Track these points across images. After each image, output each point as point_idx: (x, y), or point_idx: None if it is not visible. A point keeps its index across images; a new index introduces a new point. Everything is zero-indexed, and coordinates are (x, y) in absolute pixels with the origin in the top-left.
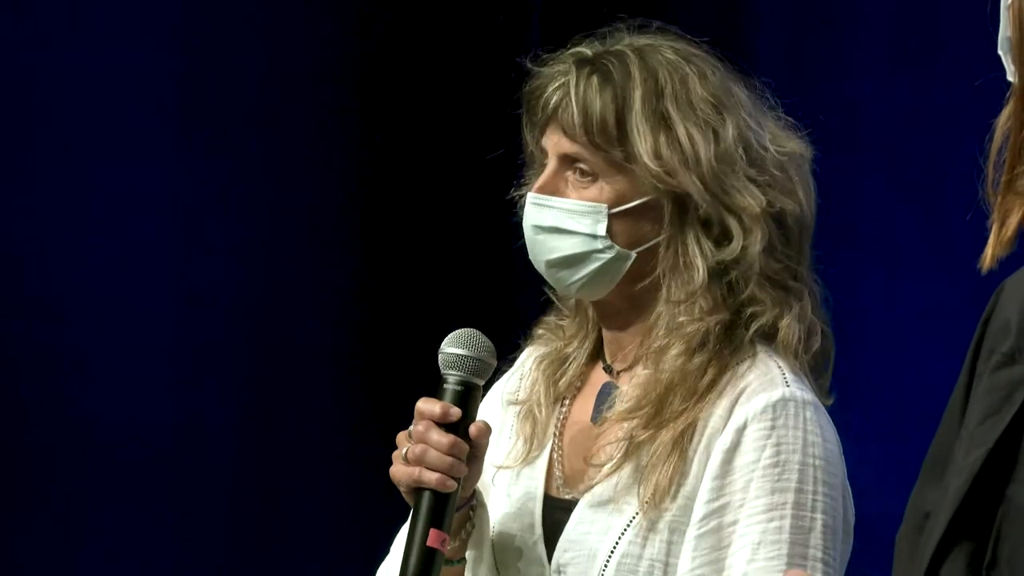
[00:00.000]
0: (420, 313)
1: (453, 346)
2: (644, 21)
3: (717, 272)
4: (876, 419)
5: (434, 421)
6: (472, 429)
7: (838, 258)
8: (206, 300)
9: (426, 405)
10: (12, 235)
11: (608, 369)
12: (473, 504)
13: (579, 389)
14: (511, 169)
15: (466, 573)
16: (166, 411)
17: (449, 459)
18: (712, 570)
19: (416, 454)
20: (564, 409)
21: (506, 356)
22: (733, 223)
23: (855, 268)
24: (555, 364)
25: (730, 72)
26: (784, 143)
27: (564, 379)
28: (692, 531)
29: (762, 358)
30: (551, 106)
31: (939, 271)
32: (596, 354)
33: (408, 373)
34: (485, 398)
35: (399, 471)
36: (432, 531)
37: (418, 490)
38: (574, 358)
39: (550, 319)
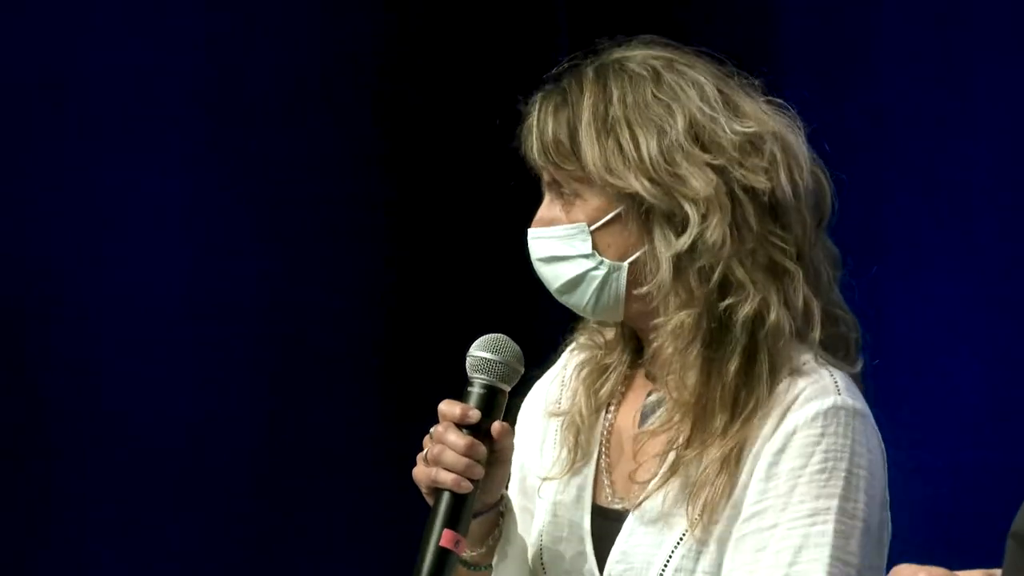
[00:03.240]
0: (439, 317)
1: (481, 350)
2: (628, 38)
3: (684, 263)
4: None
5: (454, 423)
6: (495, 426)
7: (865, 263)
8: (222, 302)
9: (447, 407)
10: (12, 235)
11: (651, 376)
12: (501, 510)
13: (623, 395)
14: (535, 171)
15: None
16: (182, 414)
17: (465, 460)
18: (750, 571)
19: (434, 454)
20: (609, 417)
21: (533, 365)
22: (691, 210)
23: (882, 273)
24: (595, 373)
25: (711, 67)
26: (762, 124)
27: (605, 388)
28: (736, 531)
29: (813, 366)
30: (523, 142)
31: (966, 277)
32: (635, 360)
33: (429, 377)
34: (527, 401)
35: (419, 471)
36: (446, 531)
37: (436, 491)
38: (615, 367)
39: (589, 323)
